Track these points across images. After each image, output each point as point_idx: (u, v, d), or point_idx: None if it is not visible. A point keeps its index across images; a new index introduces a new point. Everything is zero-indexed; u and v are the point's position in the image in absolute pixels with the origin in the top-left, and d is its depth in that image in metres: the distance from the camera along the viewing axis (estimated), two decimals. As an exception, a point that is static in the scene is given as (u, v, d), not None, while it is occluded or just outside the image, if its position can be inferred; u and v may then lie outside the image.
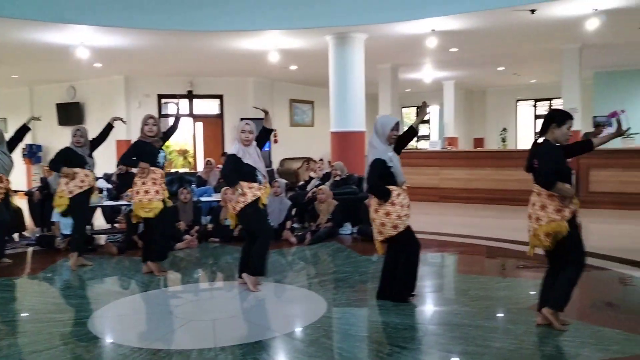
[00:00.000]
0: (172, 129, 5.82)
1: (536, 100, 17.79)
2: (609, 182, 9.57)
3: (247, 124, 4.81)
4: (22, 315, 4.50)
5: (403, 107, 20.25)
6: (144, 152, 5.39)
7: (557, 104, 14.98)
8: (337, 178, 8.15)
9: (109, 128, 6.06)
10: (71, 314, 4.42)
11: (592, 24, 8.01)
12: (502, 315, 4.08)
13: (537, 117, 17.71)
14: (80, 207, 5.82)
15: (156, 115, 13.56)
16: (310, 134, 15.95)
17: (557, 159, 3.39)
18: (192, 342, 3.66)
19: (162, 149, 5.54)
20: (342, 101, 9.22)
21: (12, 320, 4.33)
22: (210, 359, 3.29)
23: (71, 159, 5.77)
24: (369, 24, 8.46)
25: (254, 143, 4.85)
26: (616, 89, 14.02)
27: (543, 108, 17.57)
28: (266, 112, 5.05)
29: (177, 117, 5.91)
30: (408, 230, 4.15)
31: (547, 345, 3.45)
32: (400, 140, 4.23)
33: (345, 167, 8.41)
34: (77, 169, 5.72)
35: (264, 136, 5.02)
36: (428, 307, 4.33)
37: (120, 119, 6.11)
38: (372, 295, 4.62)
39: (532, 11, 7.70)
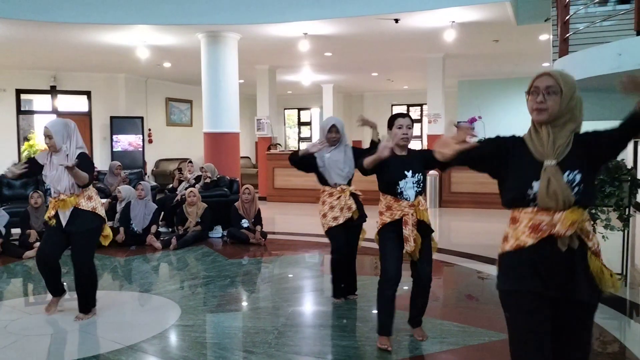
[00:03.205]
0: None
1: (409, 106, 18.76)
2: (468, 183, 10.33)
3: (45, 127, 3.95)
4: None
5: (285, 109, 20.41)
6: None
7: (426, 109, 15.90)
8: (208, 180, 7.95)
9: None
10: None
11: (450, 36, 8.57)
12: (354, 313, 4.19)
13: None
14: None
15: (14, 111, 12.54)
16: (188, 134, 15.48)
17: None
18: (20, 361, 3.34)
19: None
20: (216, 101, 9.00)
21: None
22: (37, 379, 3.02)
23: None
24: (241, 24, 8.35)
25: (63, 147, 3.95)
26: (477, 97, 15.18)
27: (416, 113, 18.57)
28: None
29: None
30: (331, 230, 4.27)
31: (390, 341, 3.59)
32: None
33: (216, 169, 8.24)
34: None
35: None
36: (285, 309, 4.33)
37: None
38: (231, 300, 4.55)
39: (396, 20, 8.07)
